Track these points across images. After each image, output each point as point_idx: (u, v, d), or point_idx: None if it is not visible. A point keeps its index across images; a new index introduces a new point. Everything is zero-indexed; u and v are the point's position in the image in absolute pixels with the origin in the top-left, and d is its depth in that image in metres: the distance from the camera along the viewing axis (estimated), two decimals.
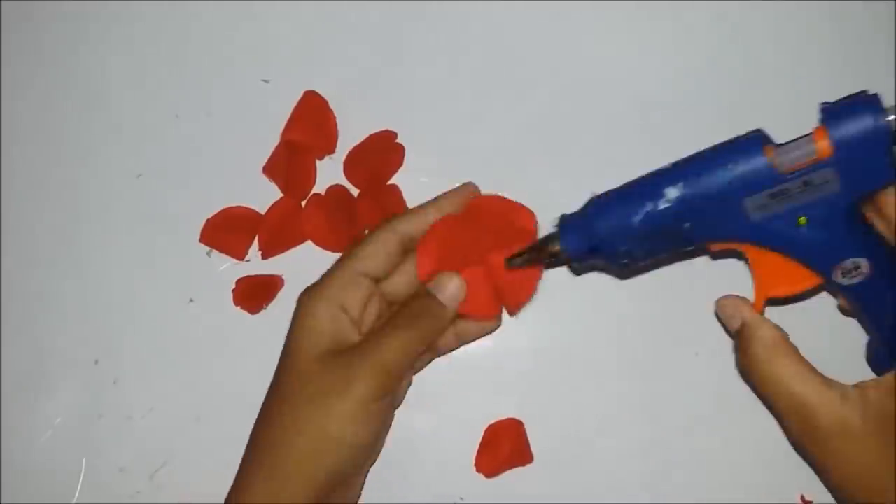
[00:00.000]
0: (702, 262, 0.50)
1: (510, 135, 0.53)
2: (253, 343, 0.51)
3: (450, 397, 0.51)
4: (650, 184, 0.40)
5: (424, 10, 0.54)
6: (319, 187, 0.53)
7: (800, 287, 0.40)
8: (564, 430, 0.51)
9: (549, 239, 0.43)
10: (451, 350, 0.49)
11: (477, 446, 0.50)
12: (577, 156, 0.53)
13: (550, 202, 0.51)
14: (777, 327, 0.41)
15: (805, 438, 0.39)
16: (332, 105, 0.53)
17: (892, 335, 0.40)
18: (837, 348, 0.45)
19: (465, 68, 0.53)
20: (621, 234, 0.40)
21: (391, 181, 0.52)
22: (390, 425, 0.48)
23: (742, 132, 0.40)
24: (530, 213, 0.47)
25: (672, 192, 0.39)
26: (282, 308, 0.52)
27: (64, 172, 0.53)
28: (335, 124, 0.53)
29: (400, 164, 0.53)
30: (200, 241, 0.52)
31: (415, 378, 0.51)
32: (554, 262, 0.43)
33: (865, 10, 0.54)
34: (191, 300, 0.52)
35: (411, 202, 0.51)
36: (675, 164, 0.40)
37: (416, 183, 0.52)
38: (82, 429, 0.52)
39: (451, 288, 0.44)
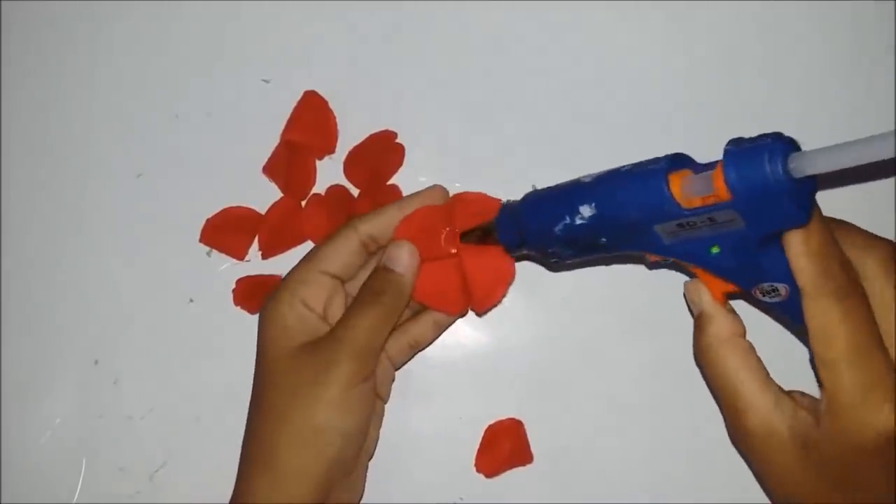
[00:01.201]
0: None
1: (510, 135, 0.53)
2: (253, 343, 0.51)
3: (450, 397, 0.51)
4: (569, 197, 0.40)
5: (424, 10, 0.54)
6: (319, 187, 0.53)
7: (735, 290, 0.40)
8: (564, 430, 0.51)
9: (493, 225, 0.45)
10: (431, 341, 0.49)
11: (477, 446, 0.50)
12: (577, 156, 0.53)
13: None
14: (734, 320, 0.40)
15: (734, 433, 0.40)
16: (332, 105, 0.53)
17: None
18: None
19: (465, 68, 0.53)
20: (546, 237, 0.41)
21: (391, 181, 0.52)
22: (381, 416, 0.48)
23: (742, 133, 0.40)
24: (495, 201, 0.46)
25: (586, 211, 0.39)
26: None
27: (64, 172, 0.53)
28: (335, 124, 0.53)
29: (400, 164, 0.53)
30: (200, 241, 0.52)
31: (415, 378, 0.51)
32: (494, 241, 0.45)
33: (865, 10, 0.54)
34: (191, 300, 0.52)
35: None
36: (594, 180, 0.40)
37: (416, 183, 0.52)
38: (82, 429, 0.52)
39: (403, 257, 0.45)
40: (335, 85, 0.53)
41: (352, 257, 0.45)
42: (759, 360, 0.40)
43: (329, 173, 0.53)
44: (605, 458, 0.51)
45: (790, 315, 0.38)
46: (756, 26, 0.54)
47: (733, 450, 0.50)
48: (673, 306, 0.51)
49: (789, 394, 0.39)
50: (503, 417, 0.51)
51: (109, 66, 0.54)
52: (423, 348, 0.50)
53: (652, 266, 0.47)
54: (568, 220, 0.40)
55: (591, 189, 0.40)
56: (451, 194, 0.48)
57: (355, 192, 0.52)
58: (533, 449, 0.51)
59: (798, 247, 0.36)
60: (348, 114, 0.53)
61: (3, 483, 0.51)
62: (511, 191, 0.49)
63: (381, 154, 0.53)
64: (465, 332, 0.52)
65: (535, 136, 0.53)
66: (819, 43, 0.54)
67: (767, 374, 0.39)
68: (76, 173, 0.53)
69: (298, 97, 0.53)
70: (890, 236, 0.40)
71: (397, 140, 0.53)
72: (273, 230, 0.52)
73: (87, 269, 0.53)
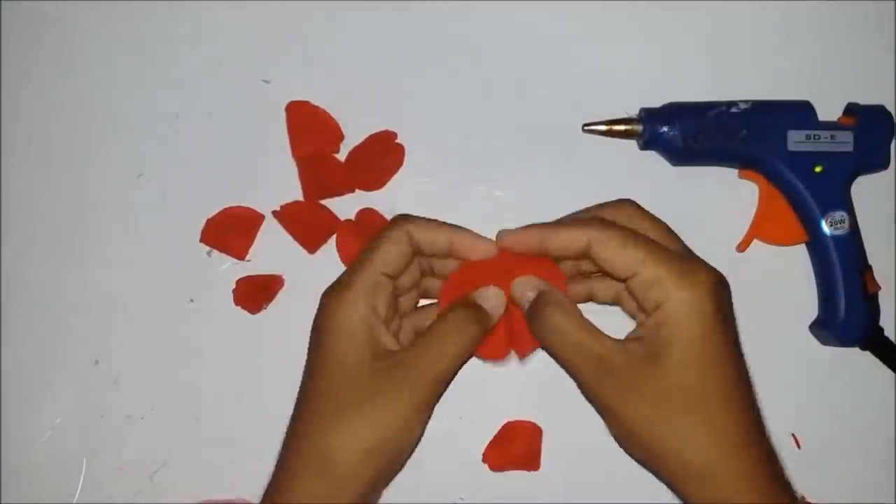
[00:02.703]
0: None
1: (510, 135, 0.53)
2: (253, 343, 0.51)
3: (451, 397, 0.51)
4: (728, 100, 0.51)
5: (424, 10, 0.54)
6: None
7: (785, 239, 0.51)
8: (565, 431, 0.51)
9: (629, 120, 0.52)
10: None
11: (486, 442, 0.50)
12: (577, 156, 0.53)
13: (550, 202, 0.51)
14: (562, 292, 0.44)
15: (596, 382, 0.42)
16: (332, 105, 0.53)
17: (849, 291, 0.50)
18: None
19: (465, 69, 0.53)
20: (696, 121, 0.50)
21: (391, 181, 0.52)
22: None
23: None
24: (560, 272, 0.46)
25: (742, 105, 0.50)
26: (282, 308, 0.52)
27: (64, 172, 0.53)
28: (329, 117, 0.53)
29: (400, 164, 0.53)
30: (200, 241, 0.52)
31: None
32: (625, 134, 0.52)
33: (865, 10, 0.54)
34: (191, 300, 0.52)
35: (411, 202, 0.51)
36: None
37: (416, 183, 0.52)
38: (82, 429, 0.52)
39: (494, 297, 0.45)
40: (335, 85, 0.53)
41: (406, 259, 0.45)
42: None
43: None
44: (605, 458, 0.50)
45: (842, 249, 0.50)
46: (757, 27, 0.54)
47: None
48: None
49: (628, 334, 0.43)
50: (513, 419, 0.51)
51: (110, 67, 0.54)
52: None
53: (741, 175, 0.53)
54: (724, 107, 0.50)
55: (750, 100, 0.51)
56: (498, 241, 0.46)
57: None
58: None
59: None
60: (348, 114, 0.53)
61: (3, 483, 0.51)
62: (511, 190, 0.49)
63: (381, 154, 0.53)
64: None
65: (536, 136, 0.53)
66: (819, 43, 0.54)
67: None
68: (77, 173, 0.53)
69: (298, 98, 0.53)
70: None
71: (397, 140, 0.53)
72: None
73: (88, 269, 0.53)
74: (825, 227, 0.50)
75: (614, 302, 0.47)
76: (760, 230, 0.51)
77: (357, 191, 0.53)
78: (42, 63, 0.54)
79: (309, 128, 0.53)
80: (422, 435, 0.44)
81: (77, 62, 0.54)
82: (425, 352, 0.43)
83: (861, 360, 0.52)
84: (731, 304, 0.42)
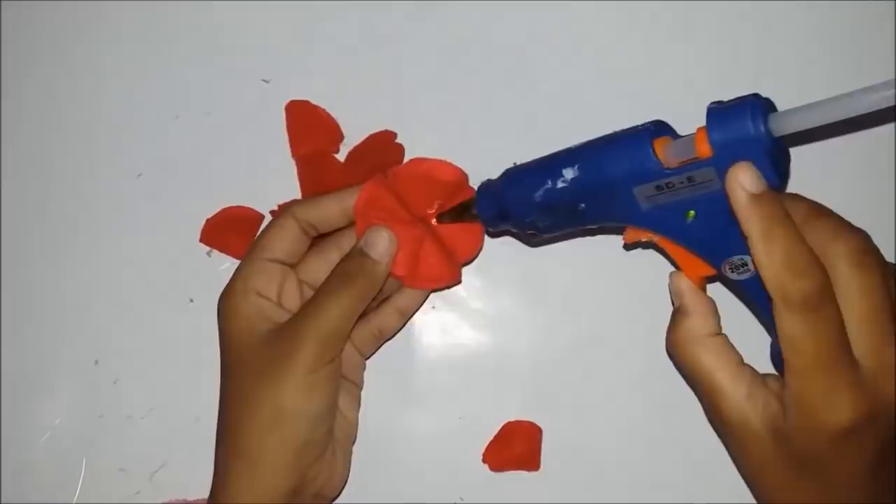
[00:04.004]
0: None
1: (510, 135, 0.53)
2: None
3: (450, 397, 0.52)
4: (552, 162, 0.42)
5: (424, 10, 0.54)
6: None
7: (708, 273, 0.41)
8: (565, 431, 0.51)
9: (472, 202, 0.46)
10: (397, 330, 0.49)
11: (485, 443, 0.50)
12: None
13: None
14: (709, 316, 0.41)
15: (714, 423, 0.42)
16: (332, 105, 0.53)
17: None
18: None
19: (466, 68, 0.53)
20: (525, 206, 0.43)
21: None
22: (358, 400, 0.49)
23: None
24: (456, 167, 0.48)
25: (568, 174, 0.41)
26: None
27: (64, 172, 0.53)
28: (329, 116, 0.53)
29: (400, 163, 0.52)
30: (200, 241, 0.52)
31: (415, 378, 0.51)
32: (473, 218, 0.46)
33: (865, 10, 0.54)
34: (191, 300, 0.52)
35: None
36: (579, 146, 0.42)
37: None
38: (82, 429, 0.52)
39: (381, 242, 0.45)
40: (335, 85, 0.53)
41: (294, 244, 0.46)
42: (731, 350, 0.41)
43: None
44: (605, 459, 0.51)
45: (754, 293, 0.39)
46: (755, 26, 0.54)
47: None
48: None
49: (764, 379, 0.40)
50: (522, 419, 0.51)
51: (109, 67, 0.54)
52: (389, 338, 0.50)
53: (627, 247, 0.47)
54: (549, 184, 0.41)
55: (575, 152, 0.41)
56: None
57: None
58: None
59: (757, 238, 0.36)
60: (348, 114, 0.53)
61: (3, 483, 0.51)
62: None
63: (381, 154, 0.53)
64: (466, 333, 0.52)
65: (536, 135, 0.53)
66: (819, 43, 0.54)
67: (741, 361, 0.40)
68: (76, 173, 0.53)
69: (298, 98, 0.53)
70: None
71: (397, 140, 0.53)
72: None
73: (87, 268, 0.53)
74: (728, 274, 0.40)
75: None
76: (688, 271, 0.42)
77: None
78: (41, 63, 0.54)
79: (308, 127, 0.53)
80: (336, 399, 0.44)
81: (76, 62, 0.54)
82: (307, 312, 0.43)
83: None
84: (891, 427, 0.37)
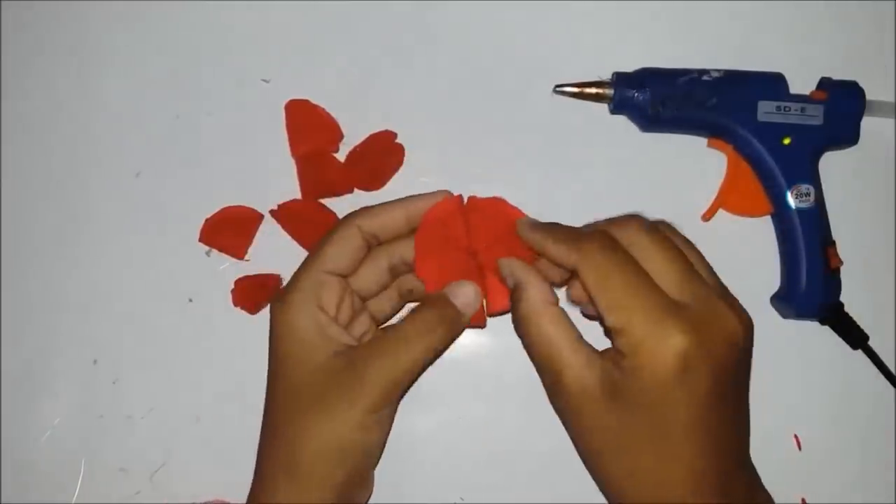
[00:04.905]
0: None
1: (510, 135, 0.53)
2: (253, 343, 0.51)
3: (450, 398, 0.51)
4: (701, 68, 0.51)
5: (424, 10, 0.54)
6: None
7: (750, 210, 0.51)
8: (565, 435, 0.51)
9: (601, 83, 0.52)
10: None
11: (486, 443, 0.50)
12: (577, 156, 0.53)
13: (550, 202, 0.51)
14: (547, 288, 0.42)
15: (552, 395, 0.42)
16: (332, 105, 0.53)
17: (811, 264, 0.50)
18: None
19: (465, 68, 0.53)
20: (665, 86, 0.50)
21: (391, 181, 0.52)
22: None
23: None
24: (521, 213, 0.46)
25: (715, 73, 0.51)
26: None
27: (64, 172, 0.53)
28: (329, 116, 0.53)
29: (400, 164, 0.53)
30: (200, 240, 0.52)
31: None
32: (595, 97, 0.52)
33: (865, 10, 0.54)
34: (191, 300, 0.52)
35: None
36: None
37: (416, 183, 0.52)
38: (82, 429, 0.52)
39: (467, 294, 0.44)
40: (335, 85, 0.53)
41: (356, 254, 0.45)
42: (571, 323, 0.41)
43: None
44: None
45: (806, 222, 0.50)
46: (757, 27, 0.54)
47: None
48: None
49: (601, 351, 0.41)
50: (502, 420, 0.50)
51: (110, 66, 0.54)
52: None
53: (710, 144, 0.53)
54: (696, 75, 0.51)
55: (723, 69, 0.51)
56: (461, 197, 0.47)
57: None
58: (534, 449, 0.51)
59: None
60: (348, 114, 0.53)
61: (3, 483, 0.51)
62: (511, 190, 0.49)
63: (381, 154, 0.52)
64: (466, 333, 0.51)
65: (536, 135, 0.53)
66: (820, 43, 0.54)
67: (579, 336, 0.41)
68: (76, 173, 0.53)
69: (298, 97, 0.53)
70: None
71: (397, 140, 0.53)
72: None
73: (87, 268, 0.53)
74: (790, 199, 0.50)
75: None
76: (727, 200, 0.51)
77: (356, 191, 0.52)
78: (41, 63, 0.54)
79: (308, 127, 0.53)
80: (387, 435, 0.44)
81: (76, 62, 0.54)
82: (382, 352, 0.42)
83: (860, 360, 0.51)
84: (724, 357, 0.38)
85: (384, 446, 0.46)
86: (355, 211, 0.45)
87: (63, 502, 0.51)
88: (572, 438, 0.42)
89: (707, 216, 0.52)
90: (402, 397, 0.44)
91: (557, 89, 0.52)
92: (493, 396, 0.51)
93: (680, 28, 0.54)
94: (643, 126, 0.52)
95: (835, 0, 0.54)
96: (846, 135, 0.51)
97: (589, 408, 0.39)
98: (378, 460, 0.46)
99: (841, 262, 0.51)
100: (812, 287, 0.50)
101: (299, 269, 0.44)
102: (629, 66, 0.53)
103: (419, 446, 0.51)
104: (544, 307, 0.41)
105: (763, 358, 0.50)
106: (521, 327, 0.42)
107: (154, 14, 0.54)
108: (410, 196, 0.46)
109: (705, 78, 0.50)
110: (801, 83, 0.52)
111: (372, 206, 0.45)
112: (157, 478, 0.51)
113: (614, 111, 0.52)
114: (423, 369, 0.43)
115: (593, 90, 0.52)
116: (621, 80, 0.51)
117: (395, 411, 0.44)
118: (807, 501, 0.50)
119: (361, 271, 0.46)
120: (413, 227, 0.45)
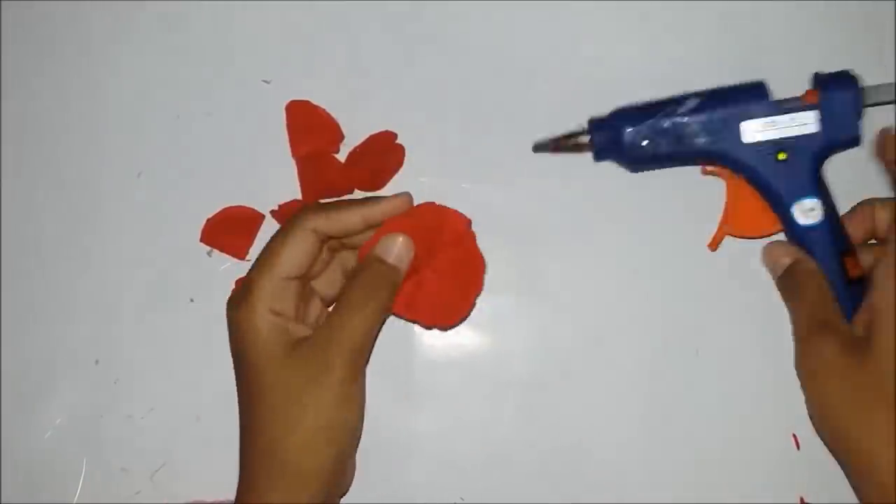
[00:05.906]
0: (702, 259, 0.50)
1: (510, 135, 0.53)
2: None
3: (449, 397, 0.52)
4: (675, 97, 0.49)
5: (424, 10, 0.54)
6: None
7: (758, 230, 0.49)
8: (565, 430, 0.51)
9: (577, 133, 0.50)
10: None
11: (486, 443, 0.50)
12: (577, 156, 0.53)
13: (550, 203, 0.52)
14: (844, 341, 0.45)
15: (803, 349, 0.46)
16: (332, 106, 0.53)
17: (829, 278, 0.47)
18: None
19: (466, 68, 0.53)
20: (643, 128, 0.48)
21: (391, 181, 0.52)
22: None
23: None
24: (462, 216, 0.47)
25: (691, 102, 0.48)
26: None
27: (64, 172, 0.54)
28: (329, 116, 0.53)
29: (400, 164, 0.53)
30: (200, 240, 0.52)
31: (415, 378, 0.51)
32: (575, 148, 0.50)
33: (865, 10, 0.54)
34: (191, 300, 0.52)
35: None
36: (697, 91, 0.49)
37: (415, 183, 0.52)
38: (82, 429, 0.52)
39: (397, 247, 0.45)
40: (335, 85, 0.53)
41: (311, 256, 0.45)
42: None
43: None
44: (605, 457, 0.51)
45: (816, 239, 0.47)
46: (756, 27, 0.54)
47: (733, 450, 0.50)
48: (673, 306, 0.51)
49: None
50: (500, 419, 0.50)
51: (110, 67, 0.54)
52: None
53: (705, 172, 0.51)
54: (671, 108, 0.48)
55: (696, 94, 0.49)
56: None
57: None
58: (534, 448, 0.51)
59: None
60: (348, 114, 0.53)
61: (4, 483, 0.51)
62: (512, 190, 0.49)
63: (381, 154, 0.53)
64: (465, 333, 0.52)
65: (537, 135, 0.53)
66: (819, 43, 0.54)
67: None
68: (77, 173, 0.53)
69: (298, 98, 0.53)
70: None
71: (397, 140, 0.53)
72: None
73: (88, 268, 0.53)
74: (797, 217, 0.47)
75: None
76: (732, 224, 0.49)
77: (357, 191, 0.52)
78: (42, 63, 0.54)
79: (309, 127, 0.53)
80: (363, 410, 0.45)
81: (77, 62, 0.54)
82: (339, 326, 0.43)
83: None
84: None
85: (362, 425, 0.46)
86: (308, 209, 0.45)
87: (64, 502, 0.51)
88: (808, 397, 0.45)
89: (713, 245, 0.50)
90: (367, 363, 0.45)
91: (536, 149, 0.50)
92: (492, 396, 0.51)
93: (678, 27, 0.54)
94: (631, 169, 0.50)
95: (835, 0, 0.54)
96: (847, 137, 0.48)
97: (839, 362, 0.43)
98: (358, 441, 0.46)
99: (862, 271, 0.47)
100: None
101: (255, 272, 0.44)
102: (629, 66, 0.53)
103: (419, 446, 0.51)
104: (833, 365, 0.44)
105: (763, 358, 0.50)
106: (805, 381, 0.46)
107: (155, 14, 0.54)
108: (369, 198, 0.47)
109: (681, 110, 0.48)
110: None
111: (328, 206, 0.46)
112: (157, 477, 0.51)
113: (597, 159, 0.50)
114: (381, 327, 0.45)
115: (570, 142, 0.50)
116: (597, 128, 0.49)
117: (364, 385, 0.45)
118: (806, 501, 0.50)
119: (326, 276, 0.47)
120: (369, 227, 0.46)
